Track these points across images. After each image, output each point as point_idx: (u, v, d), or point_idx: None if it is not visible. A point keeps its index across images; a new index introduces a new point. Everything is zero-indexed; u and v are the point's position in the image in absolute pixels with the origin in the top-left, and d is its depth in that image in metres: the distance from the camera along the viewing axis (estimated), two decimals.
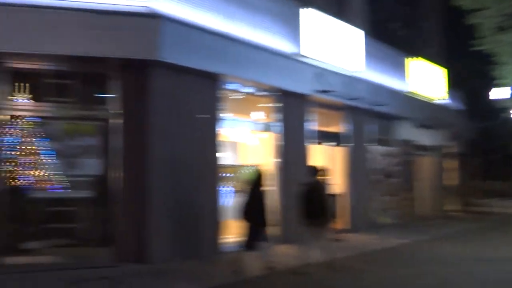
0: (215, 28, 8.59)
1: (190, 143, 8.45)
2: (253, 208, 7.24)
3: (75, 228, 8.07)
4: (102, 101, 8.11)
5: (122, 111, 7.97)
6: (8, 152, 7.67)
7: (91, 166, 8.09)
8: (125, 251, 7.76)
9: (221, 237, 8.86)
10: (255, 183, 7.46)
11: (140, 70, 7.96)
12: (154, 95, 7.97)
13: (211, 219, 8.68)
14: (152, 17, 7.63)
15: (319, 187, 7.85)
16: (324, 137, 11.84)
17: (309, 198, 7.51)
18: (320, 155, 11.53)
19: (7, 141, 7.70)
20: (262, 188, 7.45)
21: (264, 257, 7.37)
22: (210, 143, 8.85)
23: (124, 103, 8.00)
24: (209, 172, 8.75)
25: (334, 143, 12.34)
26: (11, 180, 7.67)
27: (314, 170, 7.99)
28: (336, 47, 11.34)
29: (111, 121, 7.99)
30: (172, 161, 8.12)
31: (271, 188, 9.02)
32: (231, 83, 9.35)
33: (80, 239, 8.04)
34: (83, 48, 7.45)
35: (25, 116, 7.87)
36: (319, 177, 8.05)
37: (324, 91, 10.80)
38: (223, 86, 9.16)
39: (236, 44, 8.93)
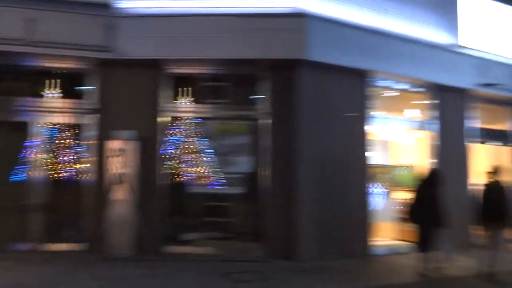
0: (364, 23, 8.40)
1: (338, 141, 8.34)
2: (427, 210, 6.83)
3: (229, 222, 8.55)
4: (253, 101, 8.45)
5: (271, 111, 8.22)
6: (172, 151, 8.44)
7: (243, 164, 8.48)
8: (274, 247, 7.98)
9: (372, 238, 8.56)
10: (429, 183, 7.02)
11: (289, 69, 8.11)
12: (301, 94, 8.05)
13: (361, 219, 8.46)
14: (299, 17, 7.74)
15: (500, 188, 7.18)
16: (489, 135, 10.71)
17: (489, 199, 6.97)
18: (483, 156, 10.45)
19: (171, 141, 8.47)
20: (437, 189, 6.97)
21: (427, 262, 6.92)
22: (359, 141, 8.62)
23: (273, 102, 8.24)
24: (358, 171, 8.54)
25: (500, 142, 11.08)
26: (174, 177, 8.42)
27: (496, 170, 7.31)
28: (500, 34, 10.21)
29: (260, 120, 8.29)
30: (320, 159, 8.10)
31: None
32: (382, 79, 9.01)
33: (233, 233, 8.50)
34: (235, 52, 7.91)
35: (186, 117, 8.58)
36: (498, 178, 7.33)
37: (488, 85, 9.80)
38: (374, 83, 8.86)
39: (387, 38, 8.61)
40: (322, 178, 8.10)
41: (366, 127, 8.71)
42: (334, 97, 8.38)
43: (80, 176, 8.31)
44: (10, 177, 8.13)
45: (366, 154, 8.67)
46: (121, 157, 7.52)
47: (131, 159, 7.75)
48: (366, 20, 8.43)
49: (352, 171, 8.46)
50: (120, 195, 7.39)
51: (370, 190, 8.72)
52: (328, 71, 8.22)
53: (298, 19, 7.75)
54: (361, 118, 8.67)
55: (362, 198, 8.55)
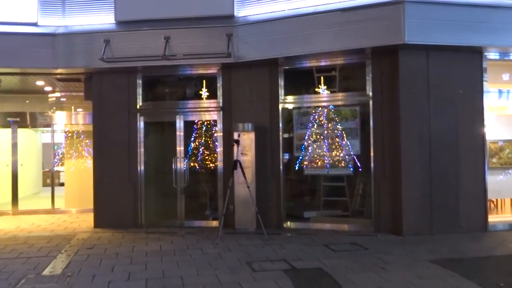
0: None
1: (449, 119, 8.41)
2: None
3: (343, 201, 9.28)
4: (361, 87, 8.99)
5: (378, 95, 8.70)
6: (289, 138, 9.45)
7: (354, 146, 9.09)
8: (383, 223, 8.51)
9: (489, 215, 8.48)
10: None
11: (392, 54, 8.49)
12: (405, 77, 8.35)
13: (477, 196, 8.42)
14: (396, 4, 8.05)
15: None
16: None
17: None
18: None
19: (287, 129, 9.48)
20: None
21: None
22: (473, 118, 8.55)
23: (380, 87, 8.72)
24: (473, 148, 8.48)
25: None
26: (292, 161, 9.43)
27: None
28: None
29: (369, 104, 8.81)
30: (428, 139, 8.31)
31: None
32: (497, 53, 8.77)
33: (347, 210, 9.20)
34: (340, 44, 8.53)
35: (300, 107, 9.51)
36: None
37: None
38: (487, 57, 8.69)
39: (494, 11, 8.36)
40: (430, 157, 8.30)
41: (481, 102, 8.60)
42: (441, 76, 8.46)
43: (213, 164, 9.83)
44: (164, 168, 10.02)
45: (483, 130, 8.57)
46: (242, 146, 8.74)
47: (251, 147, 8.96)
48: None
49: (466, 148, 8.46)
50: (242, 178, 8.60)
51: (488, 166, 8.59)
52: (433, 52, 8.37)
53: (396, 6, 8.06)
54: (476, 93, 8.59)
55: (479, 174, 8.49)
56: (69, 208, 12.49)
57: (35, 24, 9.82)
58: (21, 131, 13.04)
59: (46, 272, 6.31)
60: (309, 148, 9.39)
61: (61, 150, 17.79)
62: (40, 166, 18.24)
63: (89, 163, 12.46)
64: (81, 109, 12.77)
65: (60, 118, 12.76)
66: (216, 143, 9.82)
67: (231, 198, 8.77)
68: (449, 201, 8.30)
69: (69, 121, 12.81)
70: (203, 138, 10.09)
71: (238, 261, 6.67)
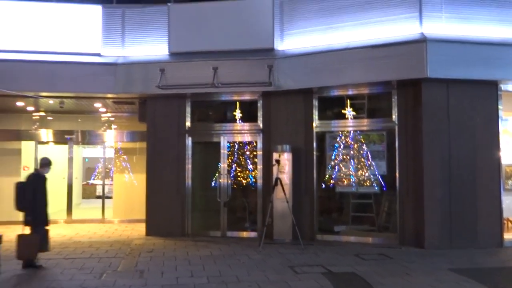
0: (483, 37, 9.31)
1: (467, 144, 9.35)
2: None
3: (371, 217, 10.30)
4: (386, 114, 10.05)
5: (402, 121, 9.75)
6: (322, 159, 10.54)
7: (381, 167, 10.13)
8: (407, 237, 9.50)
9: (504, 233, 9.40)
10: None
11: (415, 86, 9.55)
12: (427, 105, 9.37)
13: (493, 214, 9.31)
14: (420, 42, 9.13)
15: None
16: None
17: None
18: None
19: (321, 151, 10.57)
20: None
21: None
22: (489, 143, 9.47)
23: (403, 114, 9.77)
24: (490, 170, 9.38)
25: None
26: (324, 179, 10.49)
27: None
28: None
29: (393, 130, 9.86)
30: (447, 161, 9.28)
31: None
32: (510, 84, 9.74)
33: (374, 225, 10.21)
34: (368, 76, 9.65)
35: (332, 131, 10.61)
36: None
37: None
38: (501, 88, 9.64)
39: (507, 48, 9.30)
40: (449, 177, 9.26)
41: (497, 129, 9.54)
42: (460, 105, 9.44)
43: (253, 181, 10.97)
44: (208, 183, 11.20)
45: (498, 154, 9.49)
46: (279, 166, 9.84)
47: (288, 166, 10.07)
48: (487, 33, 9.35)
49: (483, 171, 9.38)
50: (280, 194, 9.70)
51: (503, 187, 9.51)
52: (453, 84, 9.37)
53: (419, 44, 9.12)
54: (491, 121, 9.53)
55: (495, 195, 9.40)
56: (117, 218, 13.72)
57: (98, 55, 11.16)
58: (58, 147, 14.39)
59: (120, 269, 7.49)
60: (340, 168, 10.46)
61: (100, 164, 19.27)
62: (80, 179, 19.65)
63: (133, 177, 13.75)
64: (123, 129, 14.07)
65: (109, 136, 14.08)
66: (256, 161, 10.95)
67: (270, 212, 9.85)
68: (467, 219, 9.23)
69: (117, 139, 14.12)
70: (244, 157, 11.25)
71: (281, 265, 7.75)
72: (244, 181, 11.21)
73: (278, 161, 9.70)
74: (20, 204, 7.55)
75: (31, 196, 7.45)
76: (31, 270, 7.39)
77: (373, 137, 10.31)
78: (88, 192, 21.23)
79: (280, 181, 9.57)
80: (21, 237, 7.42)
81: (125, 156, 14.72)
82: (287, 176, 10.03)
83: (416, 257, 8.41)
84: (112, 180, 15.80)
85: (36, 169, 7.83)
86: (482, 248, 9.06)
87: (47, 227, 7.75)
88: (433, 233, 9.16)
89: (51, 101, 11.97)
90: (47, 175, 7.91)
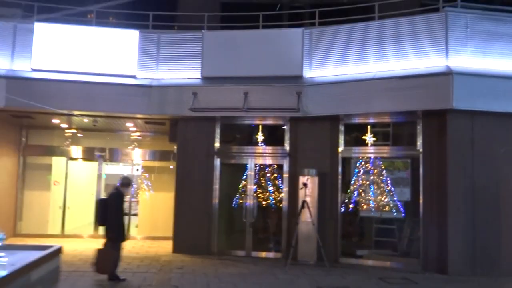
0: (508, 71, 9.66)
1: (490, 172, 9.62)
2: None
3: (394, 242, 10.52)
4: (411, 142, 10.38)
5: (426, 150, 10.05)
6: (347, 184, 10.85)
7: (404, 193, 10.41)
8: (429, 263, 9.69)
9: None
10: None
11: (439, 116, 9.87)
12: (451, 135, 9.68)
13: None
14: (446, 75, 9.50)
15: None
16: None
17: None
18: None
19: (345, 175, 10.89)
20: None
21: None
22: None
23: (428, 143, 10.07)
24: None
25: None
26: (348, 203, 10.78)
27: None
28: None
29: (417, 158, 10.16)
30: (472, 188, 9.53)
31: None
32: None
33: (397, 250, 10.43)
34: (394, 106, 10.01)
35: (357, 157, 10.94)
36: None
37: None
38: None
39: None
40: (473, 206, 9.50)
41: None
42: (484, 136, 9.73)
43: (278, 202, 11.29)
44: (233, 204, 11.55)
45: None
46: (306, 189, 10.17)
47: (314, 190, 10.39)
48: (509, 67, 9.71)
49: (507, 199, 9.60)
50: (306, 217, 10.00)
51: None
52: (477, 115, 9.69)
53: (445, 77, 9.49)
54: None
55: None
56: (141, 235, 14.06)
57: (133, 77, 11.68)
58: (87, 164, 14.86)
59: (155, 283, 7.81)
60: (363, 193, 10.75)
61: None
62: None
63: (158, 195, 14.14)
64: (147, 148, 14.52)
65: (137, 154, 14.54)
66: (281, 184, 11.29)
67: (296, 233, 10.13)
68: (491, 246, 9.43)
69: (144, 157, 14.57)
70: (270, 179, 11.59)
71: (309, 285, 8.02)
72: (269, 203, 11.53)
73: (305, 185, 10.03)
74: (101, 219, 7.97)
75: (115, 213, 7.84)
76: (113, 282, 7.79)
77: (397, 164, 10.61)
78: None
79: (307, 204, 9.88)
80: (101, 252, 7.78)
81: (150, 174, 15.15)
82: (313, 199, 10.34)
83: (440, 283, 8.62)
84: (135, 198, 16.22)
85: (116, 188, 8.21)
86: (505, 275, 9.23)
87: (123, 243, 8.13)
88: (457, 260, 9.36)
89: (86, 119, 12.47)
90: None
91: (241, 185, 11.60)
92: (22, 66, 11.45)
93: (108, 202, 8.06)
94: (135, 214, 15.13)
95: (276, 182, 11.51)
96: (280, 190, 11.36)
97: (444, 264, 9.43)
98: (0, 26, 11.48)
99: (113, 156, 14.68)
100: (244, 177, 11.55)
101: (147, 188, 14.94)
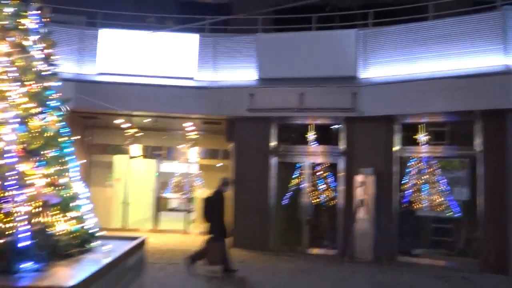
0: None
1: None
2: None
3: (451, 241, 10.54)
4: (469, 142, 10.35)
5: (484, 149, 10.00)
6: (403, 183, 10.94)
7: (462, 193, 10.41)
8: (487, 263, 9.63)
9: None
10: None
11: (498, 116, 9.82)
12: (511, 135, 9.63)
13: None
14: (505, 74, 9.46)
15: None
16: None
17: None
18: None
19: (402, 174, 10.98)
20: None
21: None
22: None
23: (486, 143, 10.02)
24: None
25: None
26: (405, 202, 10.86)
27: None
28: None
29: (475, 157, 10.12)
30: None
31: None
32: None
33: (454, 250, 10.44)
34: (451, 105, 10.05)
35: (414, 156, 11.01)
36: None
37: None
38: None
39: None
40: None
41: None
42: None
43: (334, 201, 11.52)
44: (291, 201, 11.86)
45: None
46: (363, 187, 10.35)
47: (370, 188, 10.55)
48: None
49: None
50: (362, 215, 10.19)
51: None
52: None
53: (505, 76, 9.47)
54: None
55: None
56: (197, 230, 14.57)
57: (191, 79, 12.19)
58: (146, 162, 15.49)
59: (221, 275, 8.23)
60: (419, 192, 10.81)
61: (174, 179, 20.33)
62: (156, 191, 20.78)
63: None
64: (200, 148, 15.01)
65: (193, 153, 15.08)
66: (337, 183, 11.50)
67: (350, 231, 10.33)
68: None
69: (199, 156, 15.09)
70: (325, 178, 11.82)
71: (368, 282, 8.23)
72: (324, 201, 11.76)
73: (363, 183, 10.21)
74: (207, 217, 8.44)
75: (218, 211, 8.30)
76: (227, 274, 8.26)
77: (454, 164, 10.62)
78: (162, 205, 22.40)
79: (364, 202, 10.06)
80: (210, 246, 8.31)
81: (205, 172, 15.70)
82: (369, 198, 10.50)
83: (500, 283, 8.63)
84: (187, 194, 16.80)
85: (219, 187, 8.66)
86: None
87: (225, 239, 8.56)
88: None
89: (146, 120, 13.08)
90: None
91: (296, 184, 11.88)
92: (89, 70, 12.17)
93: (211, 201, 8.49)
94: (189, 211, 15.64)
95: (331, 180, 11.72)
96: (335, 188, 11.57)
97: (505, 264, 9.38)
98: (68, 33, 12.21)
99: (170, 154, 15.28)
100: (299, 175, 11.84)
101: (202, 185, 15.50)
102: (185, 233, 14.39)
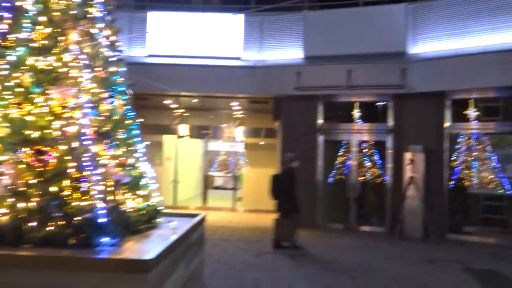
0: None
1: None
2: None
3: (503, 219, 10.34)
4: None
5: None
6: (453, 160, 10.76)
7: None
8: None
9: None
10: None
11: None
12: None
13: None
14: None
15: None
16: None
17: None
18: None
19: (452, 151, 10.80)
20: None
21: None
22: None
23: None
24: None
25: None
26: (456, 179, 10.70)
27: None
28: None
29: None
30: None
31: None
32: None
33: (506, 227, 10.26)
34: (504, 80, 9.73)
35: (464, 133, 10.78)
36: None
37: None
38: None
39: None
40: None
41: None
42: None
43: (381, 178, 11.48)
44: (338, 179, 11.91)
45: None
46: (412, 165, 10.27)
47: (419, 166, 10.45)
48: None
49: None
50: (412, 192, 10.13)
51: None
52: None
53: None
54: None
55: None
56: (244, 207, 14.91)
57: (238, 59, 12.31)
58: (193, 141, 15.83)
59: (271, 251, 8.46)
60: (470, 169, 10.62)
61: (219, 157, 20.71)
62: (202, 170, 21.25)
63: (260, 170, 14.85)
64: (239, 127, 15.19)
65: (239, 132, 15.32)
66: (385, 160, 11.45)
67: (399, 208, 10.32)
68: None
69: (246, 134, 15.32)
70: (373, 155, 11.78)
71: (419, 258, 8.25)
72: (372, 179, 11.74)
73: (412, 161, 10.14)
74: (276, 193, 8.66)
75: (288, 186, 8.49)
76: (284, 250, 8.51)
77: (507, 140, 10.34)
78: (208, 183, 22.91)
79: (415, 180, 9.99)
80: (278, 222, 8.60)
81: (251, 151, 15.92)
82: (419, 175, 10.41)
83: None
84: (232, 173, 17.14)
85: (287, 164, 8.86)
86: None
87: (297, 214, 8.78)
88: None
89: (194, 100, 13.36)
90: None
91: (344, 161, 11.90)
92: (139, 52, 12.49)
93: (281, 178, 8.68)
94: (233, 188, 15.93)
95: (378, 158, 11.67)
96: (383, 166, 11.53)
97: None
98: (118, 16, 12.50)
99: (217, 133, 15.58)
100: (346, 153, 11.85)
101: (248, 164, 15.75)
102: (233, 211, 14.72)
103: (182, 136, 15.49)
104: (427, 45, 10.92)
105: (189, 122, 15.42)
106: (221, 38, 12.44)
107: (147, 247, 3.67)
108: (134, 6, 13.73)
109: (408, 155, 10.45)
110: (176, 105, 14.58)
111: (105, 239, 3.54)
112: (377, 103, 11.85)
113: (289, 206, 8.50)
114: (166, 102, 13.88)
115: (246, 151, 16.57)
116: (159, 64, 12.33)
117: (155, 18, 12.54)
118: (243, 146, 16.19)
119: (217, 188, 19.80)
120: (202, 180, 15.68)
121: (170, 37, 12.53)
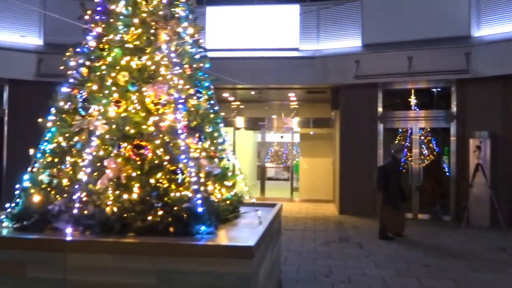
0: None
1: None
2: None
3: None
4: None
5: None
6: None
7: None
8: None
9: None
10: None
11: None
12: None
13: None
14: None
15: None
16: None
17: None
18: None
19: None
20: None
21: None
22: None
23: None
24: None
25: None
26: None
27: None
28: None
29: None
30: None
31: None
32: None
33: None
34: None
35: None
36: None
37: None
38: None
39: None
40: None
41: None
42: None
43: (443, 166, 11.28)
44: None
45: None
46: (478, 151, 10.03)
47: (486, 152, 10.20)
48: None
49: None
50: (478, 180, 9.90)
51: None
52: None
53: None
54: None
55: None
56: (301, 197, 15.02)
57: (296, 49, 12.37)
58: (249, 133, 16.01)
59: (338, 240, 8.55)
60: None
61: (272, 148, 20.85)
62: (255, 161, 21.49)
63: (317, 161, 14.90)
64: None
65: (294, 122, 15.41)
66: (448, 147, 11.23)
67: (464, 196, 10.12)
68: None
69: (302, 125, 15.40)
70: (436, 142, 11.58)
71: (489, 246, 8.11)
72: (435, 166, 11.55)
73: (479, 147, 9.92)
74: (382, 185, 8.76)
75: (394, 178, 8.59)
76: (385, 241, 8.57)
77: None
78: (264, 174, 23.14)
79: (481, 167, 9.77)
80: (389, 214, 8.68)
81: (307, 141, 15.99)
82: (485, 162, 10.16)
83: None
84: (285, 164, 17.28)
85: (392, 155, 8.99)
86: None
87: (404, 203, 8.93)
88: None
89: (252, 92, 13.54)
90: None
91: (406, 149, 11.76)
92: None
93: (388, 169, 8.75)
94: (287, 179, 16.08)
95: (441, 145, 11.46)
96: (446, 153, 11.31)
97: None
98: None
99: (273, 125, 15.73)
100: (408, 141, 11.70)
101: (303, 154, 15.83)
102: (291, 201, 14.86)
103: (238, 128, 15.74)
104: (492, 28, 10.59)
105: (245, 114, 15.65)
106: (277, 30, 12.53)
107: (242, 235, 3.86)
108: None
109: (474, 142, 10.21)
110: (233, 98, 14.82)
111: (202, 228, 3.74)
112: (439, 89, 11.60)
113: (399, 198, 8.57)
114: (224, 95, 14.12)
115: (302, 141, 16.66)
116: (218, 58, 12.51)
117: (213, 13, 12.78)
118: (298, 136, 16.28)
119: (272, 179, 19.98)
120: (259, 171, 15.89)
121: (228, 31, 12.73)
